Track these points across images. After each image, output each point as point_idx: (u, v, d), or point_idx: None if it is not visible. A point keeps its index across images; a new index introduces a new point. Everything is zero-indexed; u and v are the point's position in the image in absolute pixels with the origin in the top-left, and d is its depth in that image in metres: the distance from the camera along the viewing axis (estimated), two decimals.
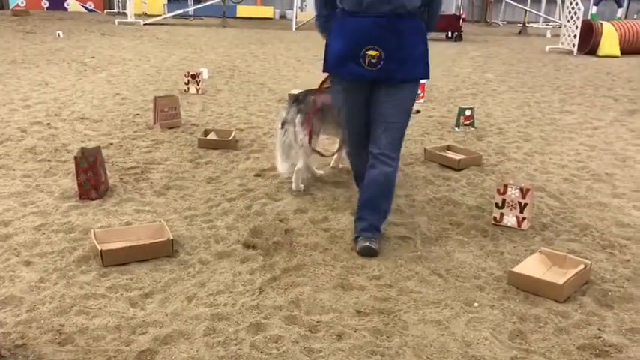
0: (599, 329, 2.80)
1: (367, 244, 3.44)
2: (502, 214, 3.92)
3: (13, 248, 3.43)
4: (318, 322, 2.79)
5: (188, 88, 7.95)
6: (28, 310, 2.82)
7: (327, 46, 3.60)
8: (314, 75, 9.79)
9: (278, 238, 3.66)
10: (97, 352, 2.52)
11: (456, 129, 6.40)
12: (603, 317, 2.90)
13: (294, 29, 18.16)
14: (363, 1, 3.25)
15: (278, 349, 2.57)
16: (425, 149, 5.38)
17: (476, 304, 2.97)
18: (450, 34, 16.59)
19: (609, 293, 3.11)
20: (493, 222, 3.95)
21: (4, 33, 13.89)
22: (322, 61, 3.67)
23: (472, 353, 2.57)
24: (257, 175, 4.82)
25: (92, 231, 3.49)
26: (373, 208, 3.54)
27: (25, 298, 2.93)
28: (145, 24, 17.65)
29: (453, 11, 20.33)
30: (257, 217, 3.99)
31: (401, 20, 3.28)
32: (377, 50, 3.28)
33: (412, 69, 3.40)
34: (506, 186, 3.90)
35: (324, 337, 2.67)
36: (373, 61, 3.31)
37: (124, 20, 17.86)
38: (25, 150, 5.24)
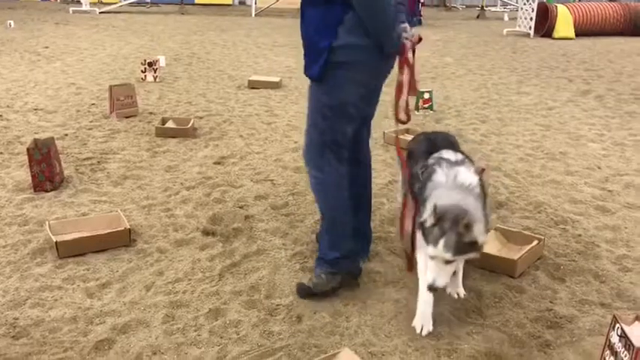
0: (551, 302, 2.88)
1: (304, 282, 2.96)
2: None
3: None
4: (277, 305, 2.80)
5: (145, 76, 7.81)
6: None
7: None
8: (274, 62, 9.74)
9: (238, 224, 3.65)
10: (52, 344, 2.49)
11: (416, 112, 6.45)
12: (556, 290, 2.99)
13: (253, 15, 17.98)
14: None
15: (237, 334, 2.57)
16: (384, 132, 5.42)
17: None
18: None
19: (561, 267, 3.21)
20: None
21: None
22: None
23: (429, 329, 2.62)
24: (216, 163, 4.79)
25: (47, 222, 3.42)
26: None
27: None
28: (100, 12, 17.22)
29: None
30: (217, 204, 3.96)
31: (308, 7, 2.68)
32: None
33: (307, 66, 2.73)
34: None
35: (283, 319, 2.69)
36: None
37: (79, 9, 17.38)
38: None
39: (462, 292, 2.90)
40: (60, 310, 2.73)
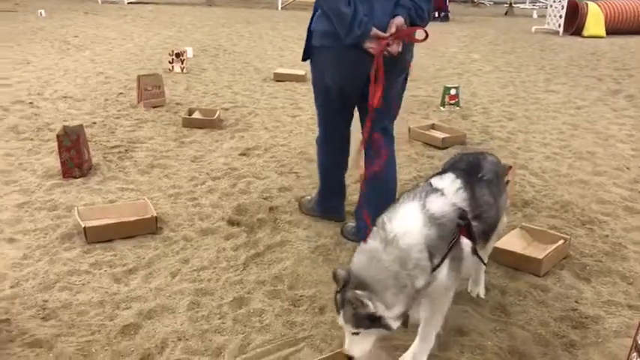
0: (576, 302, 2.85)
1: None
2: None
3: None
4: (301, 296, 2.82)
5: (172, 67, 7.88)
6: (11, 287, 2.82)
7: None
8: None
9: (262, 215, 3.68)
10: (80, 326, 2.54)
11: (441, 108, 6.42)
12: (581, 290, 2.96)
13: (279, 8, 17.99)
14: None
15: (261, 323, 2.60)
16: (409, 128, 5.40)
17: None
18: (436, 14, 16.57)
19: (587, 267, 3.17)
20: None
21: None
22: None
23: (452, 324, 2.61)
24: (242, 154, 4.82)
25: (75, 208, 3.48)
26: None
27: (8, 274, 2.92)
28: (129, 2, 17.37)
29: None
30: (242, 195, 3.99)
31: None
32: None
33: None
34: None
35: (306, 310, 2.71)
36: None
37: None
38: (7, 129, 5.18)
39: (482, 292, 2.87)
40: (87, 294, 2.78)
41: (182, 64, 7.87)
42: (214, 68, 8.32)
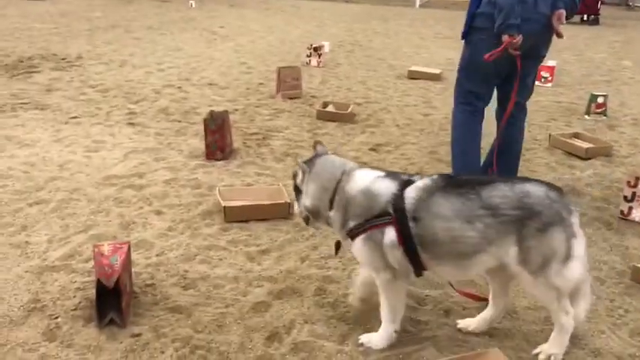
0: None
1: None
2: (630, 208, 3.68)
3: (146, 198, 3.72)
4: (426, 295, 2.80)
5: (310, 60, 8.10)
6: (157, 255, 3.07)
7: None
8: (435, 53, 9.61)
9: None
10: (216, 298, 2.71)
11: (586, 117, 6.04)
12: None
13: (417, 6, 17.83)
14: None
15: None
16: (550, 135, 5.14)
17: (594, 297, 2.84)
18: (585, 17, 15.55)
19: None
20: (620, 215, 3.72)
21: (142, 1, 14.82)
22: None
23: (587, 344, 2.48)
24: (372, 150, 4.86)
25: (217, 188, 3.71)
26: None
27: (155, 243, 3.19)
28: None
29: None
30: None
31: None
32: None
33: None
34: (637, 178, 3.66)
35: (431, 310, 2.69)
36: None
37: None
38: (158, 110, 5.63)
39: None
40: (223, 269, 2.96)
41: (319, 58, 8.07)
42: (349, 63, 8.44)
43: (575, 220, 2.28)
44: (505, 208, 2.20)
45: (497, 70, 3.61)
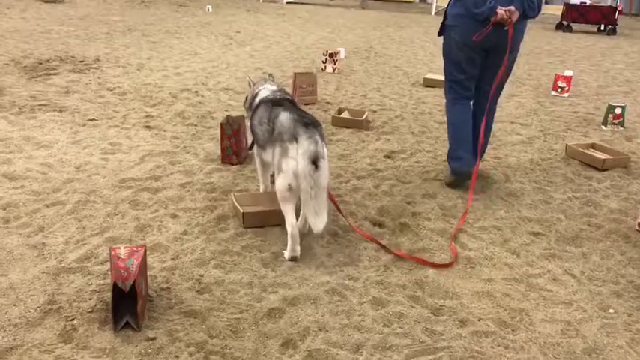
0: None
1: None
2: None
3: (162, 201, 3.74)
4: (441, 305, 2.78)
5: (325, 66, 8.12)
6: (172, 258, 3.08)
7: None
8: None
9: (405, 219, 3.68)
10: (230, 303, 2.71)
11: (603, 127, 5.99)
12: None
13: (433, 14, 17.82)
14: None
15: (401, 327, 2.60)
16: (567, 145, 5.10)
17: (611, 311, 2.81)
18: (602, 27, 15.46)
19: None
20: (637, 228, 3.68)
21: (160, 5, 14.96)
22: None
23: (604, 359, 2.44)
24: (387, 157, 4.85)
25: (232, 194, 3.72)
26: None
27: (170, 247, 3.20)
28: (287, 2, 18.18)
29: (608, 2, 18.85)
30: (385, 197, 4.02)
31: None
32: None
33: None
34: None
35: (446, 320, 2.67)
36: None
37: None
38: (174, 114, 5.66)
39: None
40: (238, 274, 2.96)
41: (334, 64, 8.08)
42: (364, 70, 8.45)
43: (291, 145, 3.07)
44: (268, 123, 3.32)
45: (468, 54, 4.06)
